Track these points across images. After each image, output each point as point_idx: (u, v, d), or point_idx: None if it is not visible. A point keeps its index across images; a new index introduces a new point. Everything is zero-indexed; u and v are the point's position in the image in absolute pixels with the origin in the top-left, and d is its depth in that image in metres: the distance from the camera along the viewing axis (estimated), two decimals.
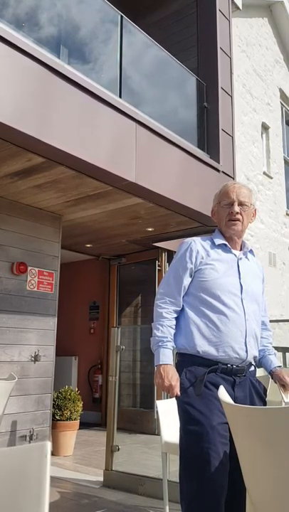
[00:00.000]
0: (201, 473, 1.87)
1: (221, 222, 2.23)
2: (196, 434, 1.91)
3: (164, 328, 2.08)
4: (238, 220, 2.19)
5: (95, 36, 4.60)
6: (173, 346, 2.09)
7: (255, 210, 2.28)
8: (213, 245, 2.20)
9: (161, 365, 2.02)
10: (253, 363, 2.16)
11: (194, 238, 2.23)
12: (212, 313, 2.06)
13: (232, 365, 2.04)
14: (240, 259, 2.20)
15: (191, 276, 2.14)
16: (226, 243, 2.20)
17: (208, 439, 1.88)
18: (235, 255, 2.20)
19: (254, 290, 2.19)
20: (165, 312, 2.10)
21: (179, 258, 2.18)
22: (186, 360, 2.07)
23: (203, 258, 2.14)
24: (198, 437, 1.90)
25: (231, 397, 1.96)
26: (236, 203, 2.18)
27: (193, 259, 2.14)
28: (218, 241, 2.20)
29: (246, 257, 2.24)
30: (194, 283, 2.13)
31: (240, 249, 2.25)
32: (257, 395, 2.10)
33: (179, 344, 2.10)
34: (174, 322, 2.12)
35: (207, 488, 1.85)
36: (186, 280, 2.14)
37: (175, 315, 2.13)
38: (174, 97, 5.63)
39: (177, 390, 1.98)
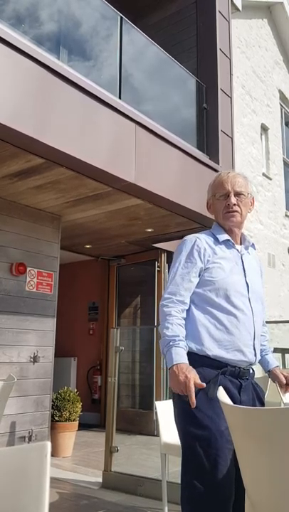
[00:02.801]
0: (208, 481, 1.77)
1: (218, 214, 2.12)
2: (203, 439, 1.80)
3: (174, 327, 1.89)
4: (236, 211, 2.07)
5: (95, 37, 4.60)
6: (186, 346, 1.89)
7: (253, 199, 2.16)
8: (217, 242, 2.07)
9: (174, 365, 1.81)
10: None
11: (198, 235, 2.08)
12: (221, 314, 1.95)
13: (239, 368, 1.96)
14: (243, 254, 2.10)
15: (199, 275, 2.00)
16: (230, 238, 2.09)
17: (216, 445, 1.78)
18: (238, 250, 2.10)
19: (258, 288, 2.10)
20: (174, 311, 1.93)
21: (188, 256, 2.02)
22: (194, 361, 1.91)
23: (210, 256, 2.02)
24: (206, 442, 1.80)
25: (237, 401, 1.89)
26: (232, 194, 2.06)
27: (202, 257, 2.00)
28: (222, 237, 2.08)
29: (247, 252, 2.14)
30: (201, 282, 2.00)
31: (241, 243, 2.14)
32: (258, 398, 2.04)
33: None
34: (184, 322, 1.95)
35: (214, 497, 1.77)
36: (195, 279, 1.99)
37: (184, 314, 1.96)
38: (173, 98, 5.63)
39: (197, 380, 1.76)
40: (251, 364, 2.01)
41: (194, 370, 1.80)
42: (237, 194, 2.07)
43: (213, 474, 1.77)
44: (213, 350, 1.91)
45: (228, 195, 2.07)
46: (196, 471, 1.81)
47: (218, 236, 2.09)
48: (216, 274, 1.99)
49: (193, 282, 1.99)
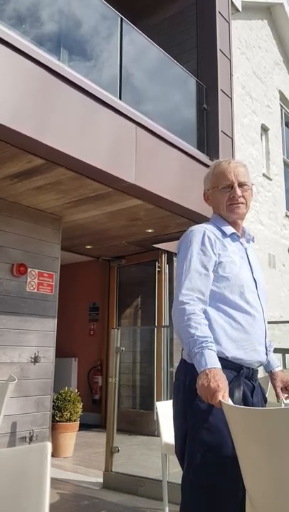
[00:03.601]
0: (216, 490, 1.69)
1: (220, 206, 1.99)
2: (215, 445, 1.71)
3: (203, 327, 1.70)
4: (242, 203, 1.98)
5: (95, 38, 4.61)
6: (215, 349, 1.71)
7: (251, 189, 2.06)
8: (224, 235, 1.95)
9: (208, 368, 1.62)
10: None
11: (205, 226, 1.94)
12: (236, 312, 1.83)
13: (252, 369, 1.87)
14: (247, 248, 2.00)
15: (214, 270, 1.84)
16: (236, 231, 1.98)
17: (228, 450, 1.68)
18: (241, 244, 1.99)
19: (263, 283, 1.99)
20: (198, 309, 1.74)
21: (200, 248, 1.85)
22: None
23: (220, 250, 1.88)
24: (218, 448, 1.71)
25: (250, 404, 1.83)
26: (236, 185, 1.96)
27: (215, 251, 1.86)
28: (228, 230, 1.96)
29: (249, 245, 2.04)
30: (214, 278, 1.84)
31: (241, 235, 2.04)
32: (264, 399, 1.96)
33: None
34: (208, 322, 1.77)
35: (221, 506, 1.71)
36: (212, 274, 1.82)
37: (204, 315, 1.78)
38: (173, 99, 5.64)
39: (226, 395, 1.59)
40: (262, 364, 1.94)
41: (226, 382, 1.63)
42: (241, 184, 1.98)
43: (222, 483, 1.69)
44: (231, 351, 1.80)
45: (232, 187, 1.97)
46: (202, 480, 1.73)
47: (223, 228, 1.97)
48: (229, 269, 1.86)
49: (210, 278, 1.82)
